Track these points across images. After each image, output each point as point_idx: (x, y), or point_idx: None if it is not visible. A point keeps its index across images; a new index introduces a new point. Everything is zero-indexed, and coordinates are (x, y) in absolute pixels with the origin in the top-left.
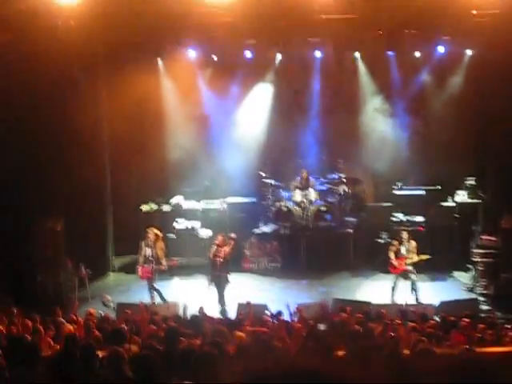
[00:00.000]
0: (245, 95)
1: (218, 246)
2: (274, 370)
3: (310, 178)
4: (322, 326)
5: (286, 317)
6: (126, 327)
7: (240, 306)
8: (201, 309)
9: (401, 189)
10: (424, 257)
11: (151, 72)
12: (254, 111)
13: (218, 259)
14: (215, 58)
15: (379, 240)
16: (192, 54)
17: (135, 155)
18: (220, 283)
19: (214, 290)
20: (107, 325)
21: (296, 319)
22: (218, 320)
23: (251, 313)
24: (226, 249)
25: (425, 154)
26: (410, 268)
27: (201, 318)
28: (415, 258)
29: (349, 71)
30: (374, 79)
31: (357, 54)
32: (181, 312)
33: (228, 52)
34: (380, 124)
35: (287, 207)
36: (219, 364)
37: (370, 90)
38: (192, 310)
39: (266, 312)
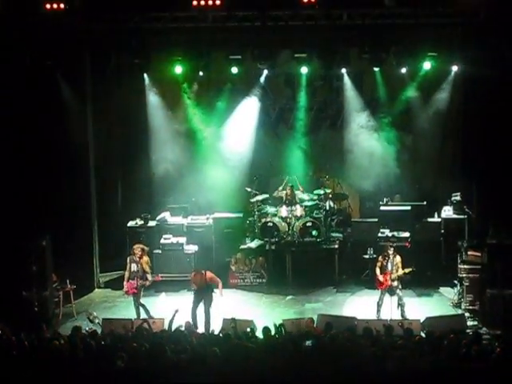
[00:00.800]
0: (231, 110)
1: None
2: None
3: (297, 192)
4: (307, 342)
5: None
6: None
7: (225, 321)
8: (187, 323)
9: (387, 204)
10: (407, 270)
11: (137, 87)
12: (240, 127)
13: (194, 287)
14: (201, 74)
15: (365, 256)
16: (178, 69)
17: (121, 171)
18: (204, 302)
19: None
20: (93, 340)
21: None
22: (204, 335)
23: (237, 328)
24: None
25: (411, 169)
26: (396, 283)
27: (186, 333)
28: (400, 272)
29: (335, 87)
30: (360, 95)
31: (343, 70)
32: (166, 326)
33: (214, 67)
34: (366, 140)
35: (273, 223)
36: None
37: (356, 105)
38: (177, 325)
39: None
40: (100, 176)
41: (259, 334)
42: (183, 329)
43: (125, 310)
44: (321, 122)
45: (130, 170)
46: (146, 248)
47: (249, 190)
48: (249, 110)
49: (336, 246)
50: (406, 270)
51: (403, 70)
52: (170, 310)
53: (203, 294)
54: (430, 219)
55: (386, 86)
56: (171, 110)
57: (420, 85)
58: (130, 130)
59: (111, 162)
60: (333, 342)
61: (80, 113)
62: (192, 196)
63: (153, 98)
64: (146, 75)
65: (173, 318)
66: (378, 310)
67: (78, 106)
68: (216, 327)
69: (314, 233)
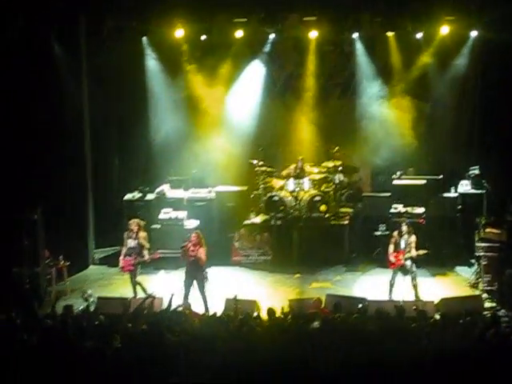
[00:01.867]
0: (235, 77)
1: (191, 244)
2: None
3: (305, 166)
4: (315, 324)
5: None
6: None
7: (228, 301)
8: (186, 303)
9: (400, 178)
10: (421, 252)
11: (135, 52)
12: (245, 94)
13: (190, 259)
14: (203, 38)
15: (376, 232)
16: (179, 33)
17: (118, 138)
18: (197, 283)
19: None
20: (87, 320)
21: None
22: (206, 317)
23: (240, 308)
24: (200, 249)
25: (426, 141)
26: (409, 263)
27: (186, 314)
28: (414, 253)
29: (346, 53)
30: (372, 61)
31: (354, 35)
32: (165, 305)
33: (217, 31)
34: (378, 109)
35: (279, 197)
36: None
37: (369, 72)
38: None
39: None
40: (96, 145)
41: (263, 315)
42: (182, 309)
43: (121, 288)
44: (331, 90)
45: (127, 138)
46: (142, 223)
47: (254, 161)
48: (254, 76)
49: (346, 222)
50: (420, 252)
51: (419, 35)
52: (169, 288)
53: (193, 270)
54: (446, 194)
55: (401, 52)
56: (171, 76)
57: (436, 51)
58: (127, 95)
59: (107, 128)
60: (342, 324)
61: (75, 76)
62: (193, 168)
63: (152, 63)
64: (144, 39)
65: (171, 298)
66: (391, 291)
67: (73, 69)
68: (217, 309)
69: (322, 208)
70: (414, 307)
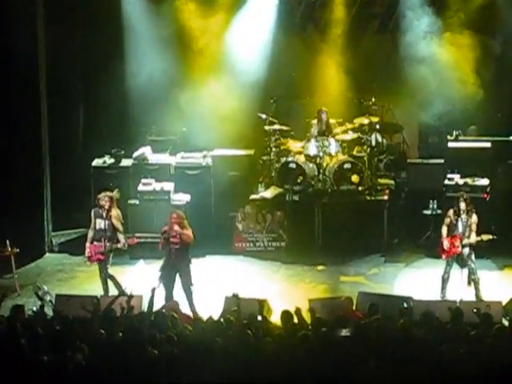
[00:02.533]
0: (239, 5)
1: (171, 227)
2: None
3: (332, 122)
4: (344, 331)
5: None
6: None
7: (227, 300)
8: (174, 303)
9: (457, 139)
10: (486, 237)
11: None
12: (252, 28)
13: (172, 246)
14: None
15: (426, 211)
16: None
17: (84, 88)
18: (181, 277)
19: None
20: (41, 325)
21: None
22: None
23: (242, 310)
24: (185, 231)
25: (494, 90)
26: (468, 251)
27: (172, 317)
28: (474, 238)
29: None
30: None
31: None
32: (145, 306)
33: None
34: (429, 48)
35: (297, 163)
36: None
37: (416, 1)
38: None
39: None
40: (54, 96)
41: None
42: (167, 311)
43: (87, 282)
44: (366, 24)
45: (96, 85)
46: (115, 196)
47: (263, 116)
48: (264, 5)
49: (385, 198)
50: (484, 237)
51: None
52: (151, 283)
53: (176, 260)
54: None
55: None
56: (155, 4)
57: None
58: (97, 31)
59: (70, 74)
60: (380, 332)
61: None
62: (183, 125)
63: None
64: None
65: (153, 296)
66: (443, 288)
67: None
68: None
69: (354, 178)
70: (475, 309)
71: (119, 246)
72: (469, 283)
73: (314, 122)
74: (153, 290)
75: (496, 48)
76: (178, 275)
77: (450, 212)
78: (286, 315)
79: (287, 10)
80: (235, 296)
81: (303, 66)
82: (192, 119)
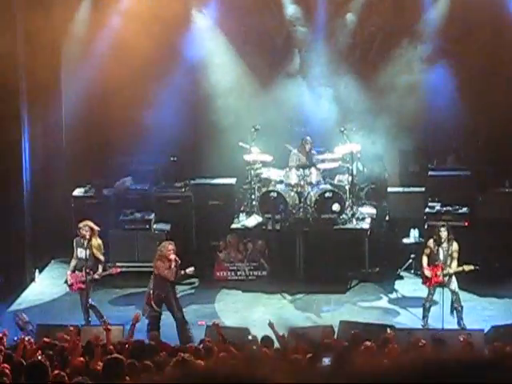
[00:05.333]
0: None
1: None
2: None
3: (313, 151)
4: (325, 360)
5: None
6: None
7: (209, 330)
8: (153, 334)
9: (437, 168)
10: (468, 268)
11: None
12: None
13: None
14: None
15: (406, 240)
16: None
17: (61, 118)
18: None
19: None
20: (22, 355)
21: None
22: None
23: (221, 338)
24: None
25: (473, 117)
26: (450, 279)
27: (152, 346)
28: (455, 268)
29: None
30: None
31: None
32: (124, 336)
33: None
34: (409, 75)
35: (278, 192)
36: None
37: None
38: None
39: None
40: (34, 121)
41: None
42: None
43: (68, 312)
44: (346, 53)
45: (73, 115)
46: (96, 228)
47: (244, 145)
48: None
49: (366, 226)
50: (466, 268)
51: None
52: (132, 313)
53: (162, 288)
54: (498, 189)
55: None
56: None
57: None
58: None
59: (47, 101)
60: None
61: (8, 33)
62: (165, 154)
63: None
64: None
65: (133, 326)
66: (425, 316)
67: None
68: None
69: (335, 207)
70: (461, 338)
71: (95, 276)
72: (451, 311)
73: (296, 151)
74: (135, 320)
75: (472, 72)
76: (165, 305)
77: (430, 242)
78: (265, 340)
79: (268, 40)
80: (217, 325)
81: (285, 93)
82: (173, 147)
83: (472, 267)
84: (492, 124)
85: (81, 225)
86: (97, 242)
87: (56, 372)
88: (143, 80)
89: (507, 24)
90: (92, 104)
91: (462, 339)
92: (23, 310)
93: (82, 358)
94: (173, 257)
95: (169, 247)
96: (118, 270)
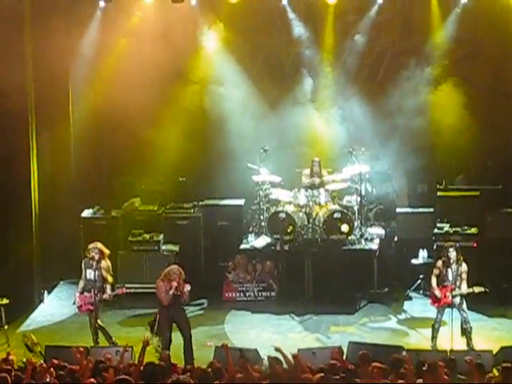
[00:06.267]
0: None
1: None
2: None
3: (322, 172)
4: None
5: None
6: (57, 381)
7: (217, 351)
8: (164, 355)
9: (446, 189)
10: (478, 289)
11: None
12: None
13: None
14: None
15: (415, 260)
16: None
17: (69, 139)
18: (182, 325)
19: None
20: (31, 377)
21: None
22: (188, 369)
23: (230, 360)
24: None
25: (482, 138)
26: (459, 300)
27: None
28: (465, 289)
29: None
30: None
31: None
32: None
33: None
34: (417, 96)
35: (286, 213)
36: None
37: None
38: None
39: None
40: (41, 146)
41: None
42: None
43: (77, 333)
44: (354, 74)
45: (81, 139)
46: (105, 250)
47: (253, 166)
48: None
49: (375, 247)
50: (476, 289)
51: None
52: (140, 334)
53: (172, 308)
54: (507, 209)
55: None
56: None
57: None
58: None
59: (55, 125)
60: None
61: (18, 56)
62: (173, 175)
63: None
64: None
65: (145, 347)
66: (434, 337)
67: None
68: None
69: (344, 228)
70: (469, 359)
71: (104, 296)
72: (462, 333)
73: (306, 172)
74: (146, 342)
75: (481, 95)
76: (175, 325)
77: (439, 263)
78: (272, 360)
79: (276, 61)
80: (225, 346)
81: (294, 117)
82: (181, 169)
83: (482, 289)
84: (501, 144)
85: (90, 246)
86: (106, 263)
87: None
88: (152, 101)
89: None
90: (100, 125)
91: (468, 361)
92: (32, 331)
93: (93, 380)
94: (175, 284)
95: (176, 272)
96: (125, 290)
